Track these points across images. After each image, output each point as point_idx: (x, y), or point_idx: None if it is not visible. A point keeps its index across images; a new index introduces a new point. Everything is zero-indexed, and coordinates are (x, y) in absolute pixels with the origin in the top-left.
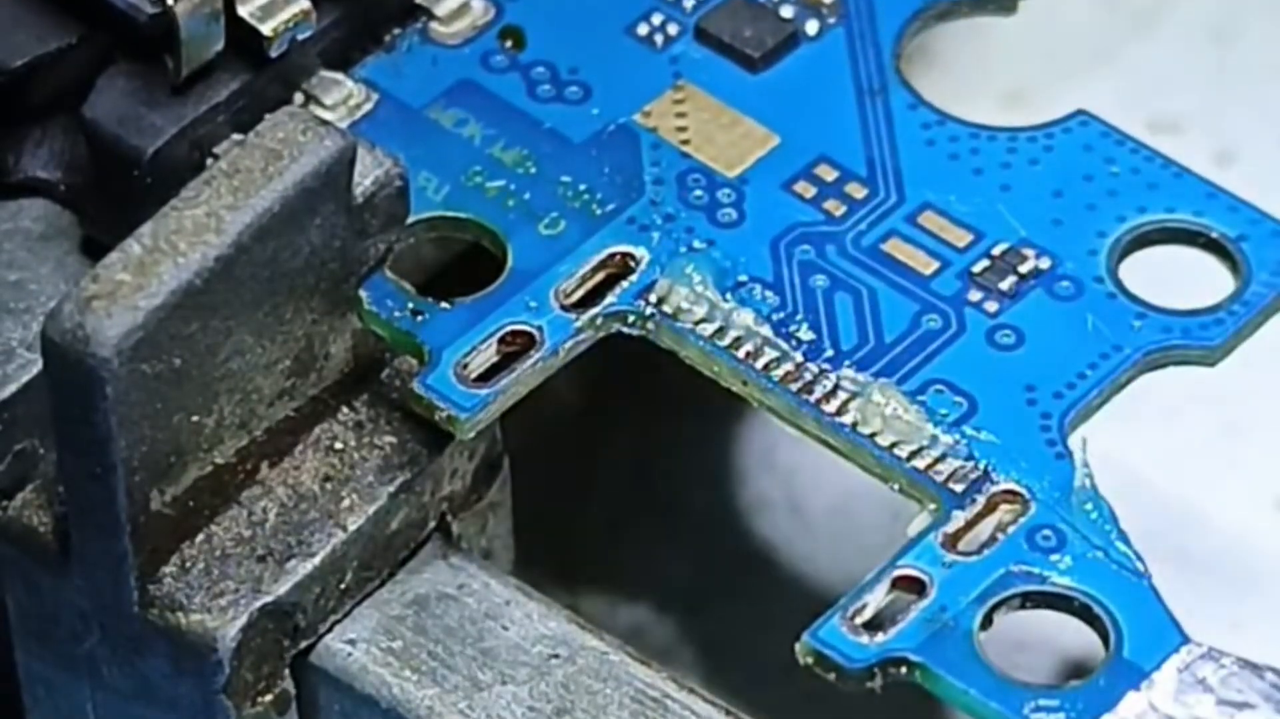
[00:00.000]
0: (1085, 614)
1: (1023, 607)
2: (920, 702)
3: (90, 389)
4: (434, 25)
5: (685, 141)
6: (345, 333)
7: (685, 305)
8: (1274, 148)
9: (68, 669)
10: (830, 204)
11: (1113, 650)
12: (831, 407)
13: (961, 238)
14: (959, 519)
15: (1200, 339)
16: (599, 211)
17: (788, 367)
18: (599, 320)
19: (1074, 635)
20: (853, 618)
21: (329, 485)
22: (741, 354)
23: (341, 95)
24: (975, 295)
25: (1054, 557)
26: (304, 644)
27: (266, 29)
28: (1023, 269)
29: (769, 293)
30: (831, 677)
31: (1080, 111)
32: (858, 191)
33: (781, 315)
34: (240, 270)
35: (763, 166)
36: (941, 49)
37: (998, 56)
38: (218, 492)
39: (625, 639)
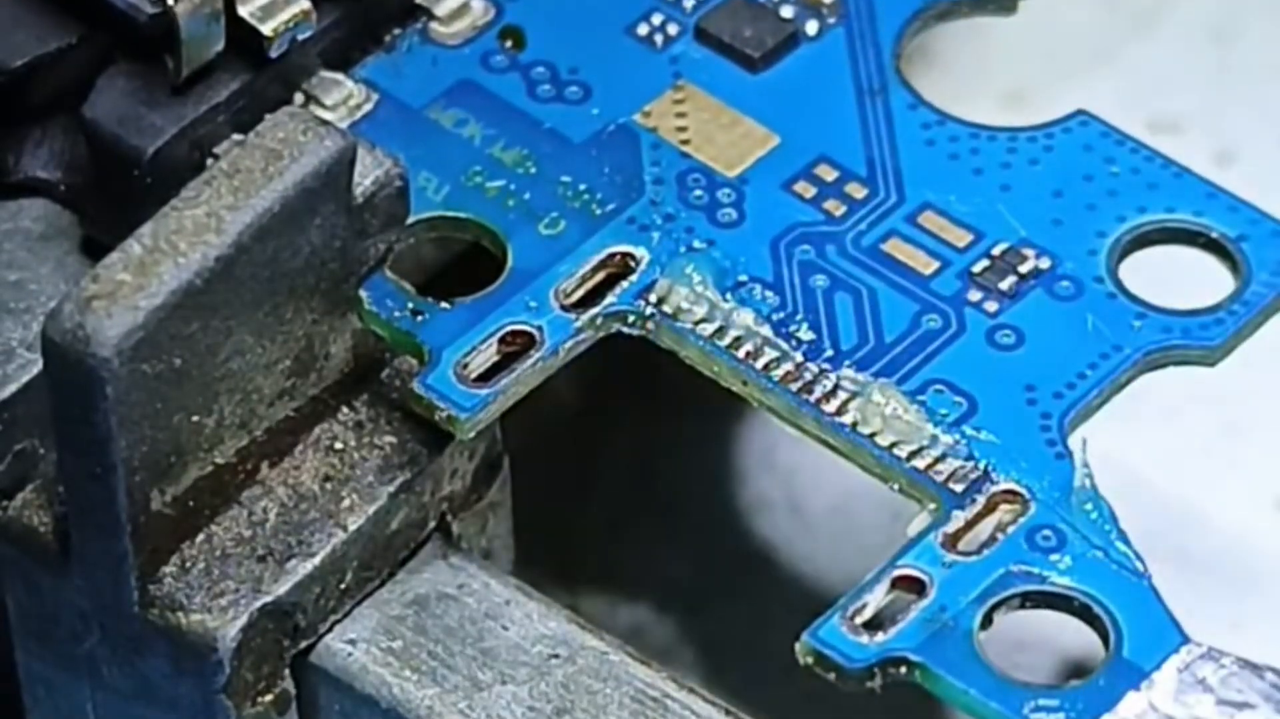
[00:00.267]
0: (1085, 614)
1: (1022, 606)
2: (920, 702)
3: (90, 389)
4: (434, 25)
5: (685, 141)
6: (345, 333)
7: (685, 305)
8: (1274, 148)
9: (68, 669)
10: (830, 204)
11: (1113, 650)
12: (831, 406)
13: (961, 238)
14: (959, 519)
15: (1200, 339)
16: (599, 211)
17: (788, 366)
18: (599, 320)
19: (1074, 635)
20: (852, 618)
21: (329, 485)
22: (741, 354)
23: (342, 95)
24: (975, 295)
25: (1054, 557)
26: (304, 644)
27: (267, 29)
28: (1023, 269)
29: (769, 293)
30: (831, 676)
31: (1080, 111)
32: (858, 191)
33: (781, 315)
34: (240, 270)
35: (763, 166)
36: (941, 49)
37: (998, 56)
38: (218, 492)
39: (625, 639)
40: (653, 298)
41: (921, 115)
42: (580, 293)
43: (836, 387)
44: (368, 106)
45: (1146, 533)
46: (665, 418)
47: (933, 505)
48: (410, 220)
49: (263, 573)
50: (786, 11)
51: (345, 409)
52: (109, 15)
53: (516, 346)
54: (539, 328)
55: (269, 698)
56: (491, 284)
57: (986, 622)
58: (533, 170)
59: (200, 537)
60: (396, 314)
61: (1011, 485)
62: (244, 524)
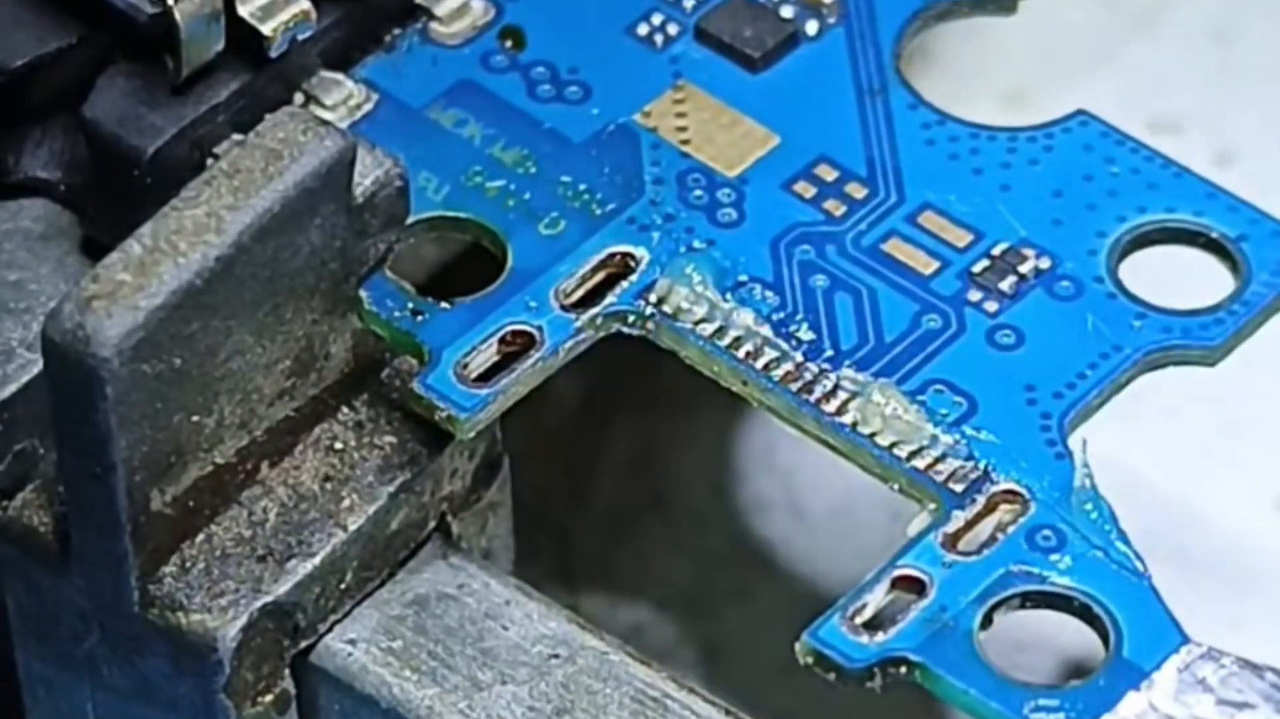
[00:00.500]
0: (1085, 614)
1: (1022, 606)
2: (920, 702)
3: (90, 389)
4: (434, 25)
5: (685, 141)
6: (345, 333)
7: (685, 305)
8: (1274, 148)
9: (68, 669)
10: (830, 204)
11: (1113, 650)
12: (831, 406)
13: (961, 238)
14: (959, 519)
15: (1200, 339)
16: (599, 211)
17: (787, 366)
18: (599, 320)
19: (1074, 635)
20: (852, 618)
21: (329, 485)
22: (741, 354)
23: (342, 95)
24: (975, 295)
25: (1054, 557)
26: (304, 644)
27: (267, 29)
28: (1023, 269)
29: (769, 293)
30: (831, 676)
31: (1080, 111)
32: (858, 191)
33: (781, 315)
34: (240, 270)
35: (763, 166)
36: (941, 49)
37: (998, 56)
38: (218, 492)
39: (625, 639)
40: (653, 298)
41: (921, 115)
42: (580, 293)
43: (836, 387)
44: (368, 106)
45: (1146, 533)
46: (665, 418)
47: (933, 505)
48: (410, 220)
49: (263, 573)
50: (786, 11)
51: (345, 409)
52: (109, 15)
53: (516, 347)
54: (539, 328)
55: (269, 698)
56: (491, 284)
57: (986, 622)
58: (533, 170)
59: (200, 537)
60: (396, 314)
61: (1011, 485)
62: (244, 524)
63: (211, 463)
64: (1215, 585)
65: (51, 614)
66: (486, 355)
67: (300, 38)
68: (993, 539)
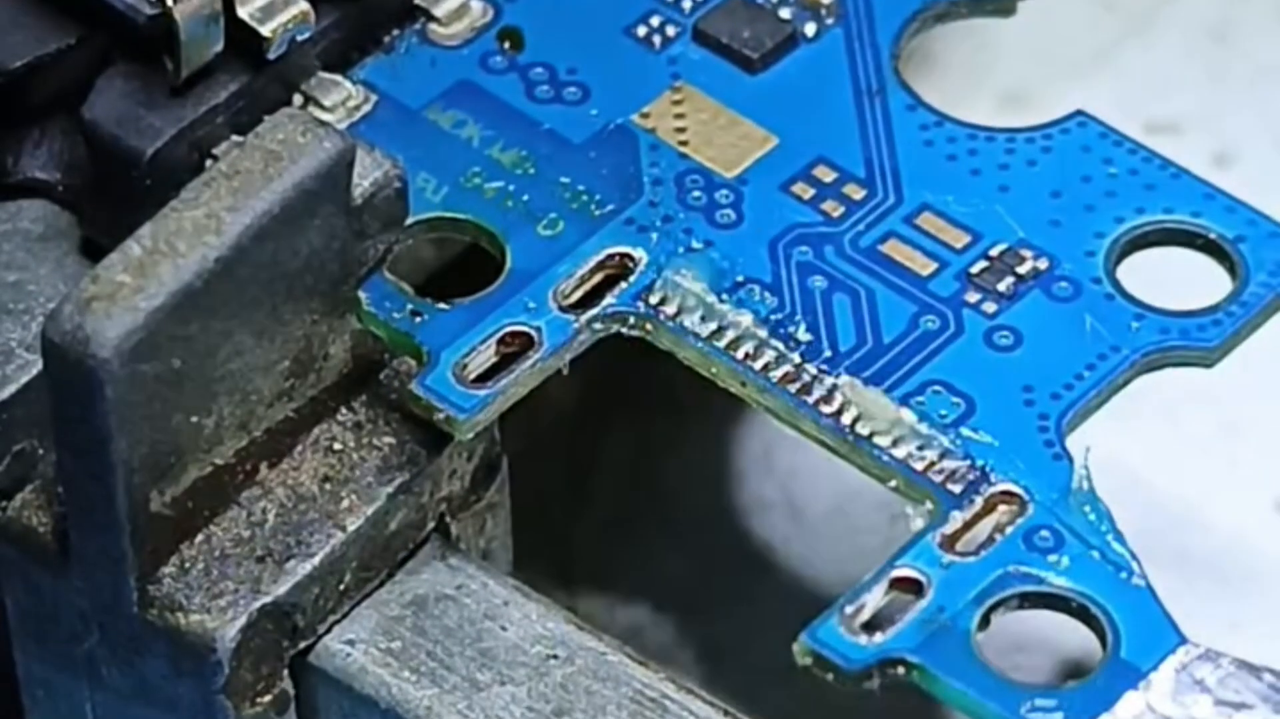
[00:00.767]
0: (1083, 615)
1: (1020, 607)
2: (919, 702)
3: (90, 390)
4: (433, 26)
5: (684, 143)
6: (344, 334)
7: (684, 306)
8: (1272, 149)
9: (67, 670)
10: (828, 205)
11: (1110, 651)
12: (830, 407)
13: (959, 239)
14: (957, 520)
15: (1198, 340)
16: (598, 212)
17: (786, 367)
18: (598, 321)
19: (1072, 636)
20: (851, 618)
21: (328, 486)
22: (740, 355)
23: (340, 96)
24: (973, 296)
25: (1052, 557)
26: (303, 644)
27: (266, 30)
28: (1021, 270)
29: (767, 294)
30: (829, 677)
31: (1078, 112)
32: (856, 193)
33: (780, 316)
34: (240, 271)
35: (761, 168)
36: (940, 50)
37: (996, 58)
38: (217, 492)
39: (624, 640)
40: (651, 299)
41: (920, 116)
42: (579, 294)
43: (835, 387)
44: (366, 108)
45: (1145, 533)
46: (664, 418)
47: (930, 506)
48: (409, 221)
49: (262, 573)
50: (785, 13)
51: (344, 410)
52: (108, 16)
53: (515, 347)
54: (538, 329)
55: (268, 698)
56: (490, 285)
57: (984, 622)
58: (531, 171)
59: (199, 537)
60: (395, 315)
61: (1009, 486)
62: (243, 525)
63: (211, 464)
64: (1213, 586)
65: (51, 615)
66: (485, 356)
67: (299, 39)
68: (991, 540)
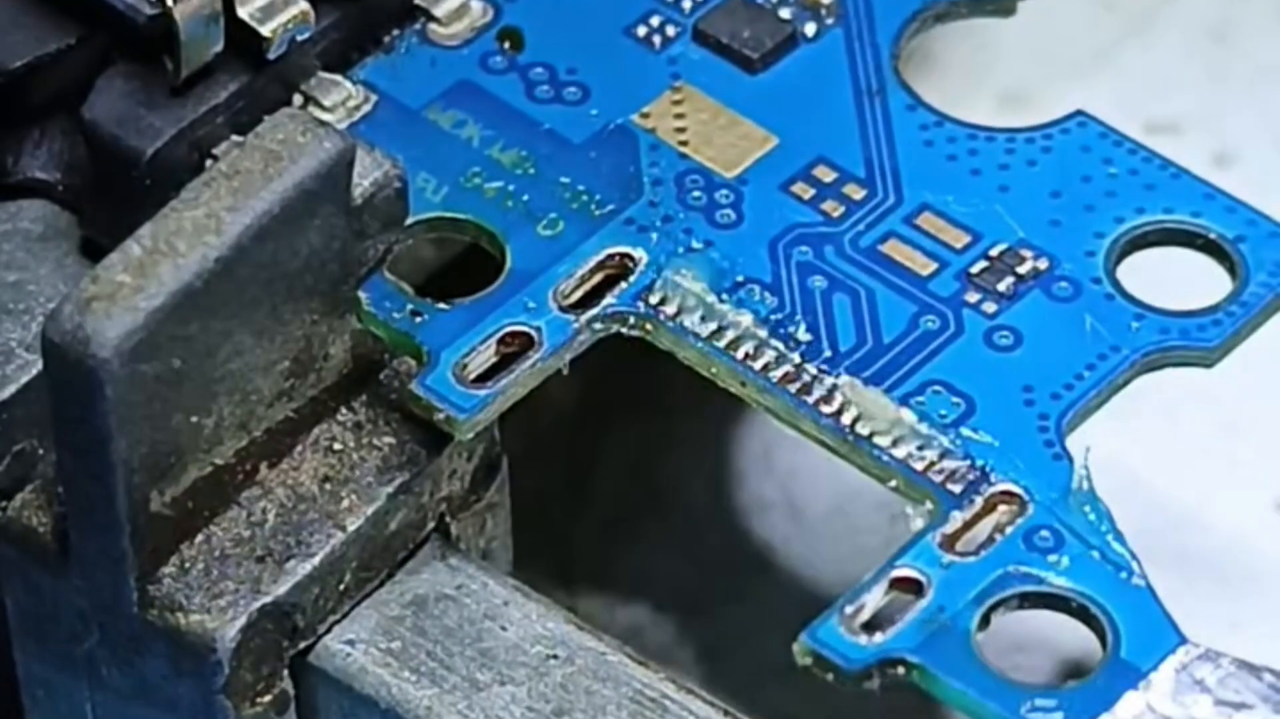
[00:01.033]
0: (1083, 615)
1: (1020, 607)
2: (919, 702)
3: (90, 390)
4: (433, 26)
5: (684, 143)
6: (344, 334)
7: (684, 306)
8: (1272, 149)
9: (67, 670)
10: (828, 205)
11: (1110, 651)
12: (830, 407)
13: (959, 239)
14: (957, 520)
15: (1198, 340)
16: (598, 212)
17: (786, 367)
18: (598, 321)
19: (1071, 636)
20: (851, 618)
21: (328, 486)
22: (740, 355)
23: (340, 96)
24: (973, 296)
25: (1051, 557)
26: (303, 645)
27: (266, 30)
28: (1021, 270)
29: (767, 294)
30: (829, 677)
31: (1078, 112)
32: (856, 192)
33: (780, 316)
34: (240, 271)
35: (761, 167)
36: (940, 50)
37: (996, 57)
38: (217, 492)
39: (623, 640)
40: (651, 299)
41: (920, 116)
42: (579, 294)
43: (835, 387)
44: (366, 108)
45: (1145, 533)
46: (664, 419)
47: (930, 506)
48: (409, 221)
49: (262, 573)
50: (785, 13)
51: (344, 410)
52: (108, 16)
53: (515, 347)
54: (538, 329)
55: (268, 698)
56: (490, 285)
57: (984, 622)
58: (531, 171)
59: (199, 537)
60: (395, 315)
61: (1009, 486)
62: (243, 525)
63: (211, 463)
64: (1213, 586)
65: (51, 615)
66: (485, 356)
67: (299, 39)
68: (990, 540)
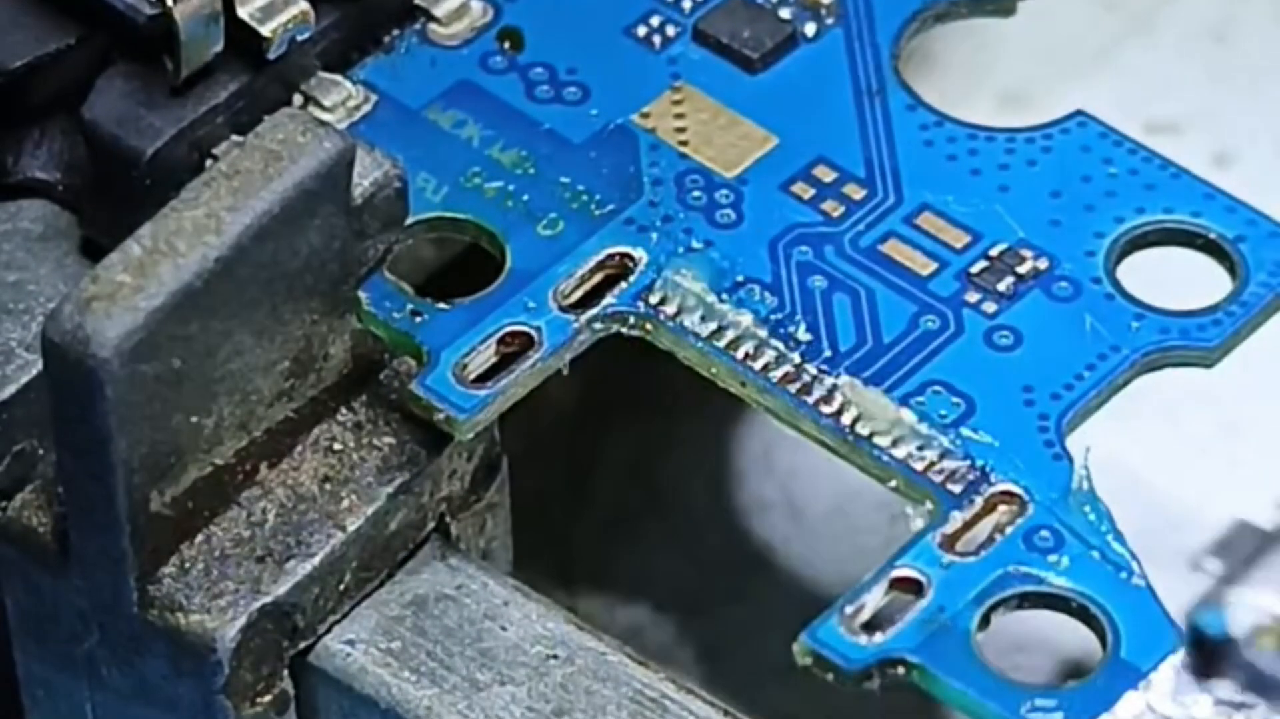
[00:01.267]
0: (1083, 615)
1: (1020, 607)
2: (919, 702)
3: (90, 390)
4: (433, 26)
5: (684, 143)
6: (344, 334)
7: (683, 306)
8: (1272, 149)
9: (67, 670)
10: (828, 205)
11: (1110, 651)
12: (830, 407)
13: (959, 239)
14: (957, 520)
15: (1198, 340)
16: (598, 212)
17: (786, 367)
18: (598, 321)
19: (1071, 636)
20: (850, 618)
21: (328, 486)
22: (740, 355)
23: (340, 96)
24: (973, 296)
25: (1052, 557)
26: (303, 645)
27: (266, 30)
28: (1021, 270)
29: (767, 294)
30: (829, 677)
31: (1078, 112)
32: (856, 192)
33: (779, 316)
34: (240, 271)
35: (761, 167)
36: (940, 50)
37: (996, 57)
38: (217, 492)
39: (623, 640)
40: (651, 299)
41: (920, 116)
42: (579, 294)
43: (835, 387)
44: (366, 108)
45: (1145, 533)
46: (664, 419)
47: (931, 506)
48: (409, 221)
49: (262, 573)
50: (785, 13)
51: (344, 410)
52: (108, 16)
53: (515, 347)
54: (538, 329)
55: (268, 698)
56: (490, 285)
57: (984, 622)
58: (531, 171)
59: (199, 537)
60: (395, 315)
61: (1009, 486)
62: (243, 525)
63: (211, 463)
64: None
65: (50, 615)
66: (485, 356)
67: (299, 39)
68: (990, 540)
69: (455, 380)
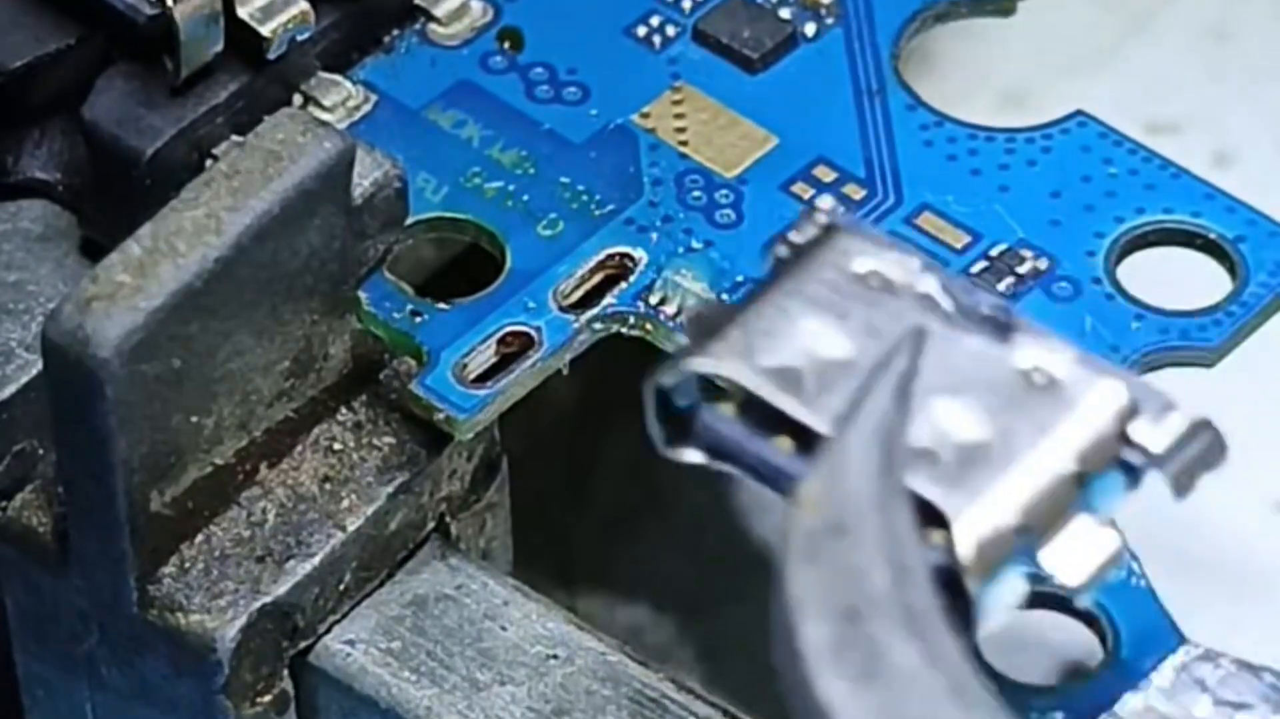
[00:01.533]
0: (1083, 615)
1: (1020, 607)
2: None
3: (90, 390)
4: (433, 26)
5: (684, 143)
6: (344, 334)
7: (683, 306)
8: (1272, 149)
9: (67, 670)
10: None
11: (1111, 651)
12: None
13: (959, 239)
14: None
15: (1198, 340)
16: (597, 212)
17: None
18: (598, 321)
19: (1071, 636)
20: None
21: (328, 486)
22: None
23: (340, 96)
24: None
25: None
26: (303, 645)
27: (266, 30)
28: (1021, 270)
29: None
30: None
31: (1078, 112)
32: (856, 192)
33: None
34: (240, 271)
35: (761, 167)
36: (940, 50)
37: (996, 57)
38: (217, 492)
39: (624, 640)
40: (651, 299)
41: (920, 116)
42: (579, 294)
43: None
44: (366, 108)
45: (1145, 534)
46: None
47: None
48: (409, 221)
49: (261, 573)
50: (785, 12)
51: (344, 410)
52: (108, 16)
53: (515, 347)
54: (538, 329)
55: (268, 698)
56: (490, 285)
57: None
58: (531, 171)
59: (199, 537)
60: (395, 315)
61: None
62: (243, 525)
63: (211, 464)
64: (1213, 587)
65: (50, 615)
66: (485, 356)
67: (299, 39)
68: None
69: (455, 380)
